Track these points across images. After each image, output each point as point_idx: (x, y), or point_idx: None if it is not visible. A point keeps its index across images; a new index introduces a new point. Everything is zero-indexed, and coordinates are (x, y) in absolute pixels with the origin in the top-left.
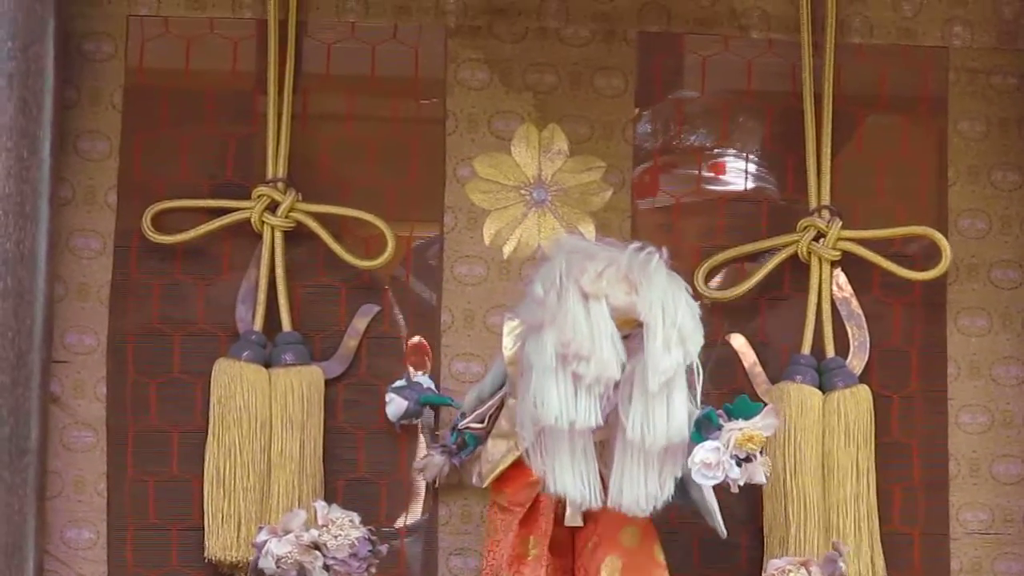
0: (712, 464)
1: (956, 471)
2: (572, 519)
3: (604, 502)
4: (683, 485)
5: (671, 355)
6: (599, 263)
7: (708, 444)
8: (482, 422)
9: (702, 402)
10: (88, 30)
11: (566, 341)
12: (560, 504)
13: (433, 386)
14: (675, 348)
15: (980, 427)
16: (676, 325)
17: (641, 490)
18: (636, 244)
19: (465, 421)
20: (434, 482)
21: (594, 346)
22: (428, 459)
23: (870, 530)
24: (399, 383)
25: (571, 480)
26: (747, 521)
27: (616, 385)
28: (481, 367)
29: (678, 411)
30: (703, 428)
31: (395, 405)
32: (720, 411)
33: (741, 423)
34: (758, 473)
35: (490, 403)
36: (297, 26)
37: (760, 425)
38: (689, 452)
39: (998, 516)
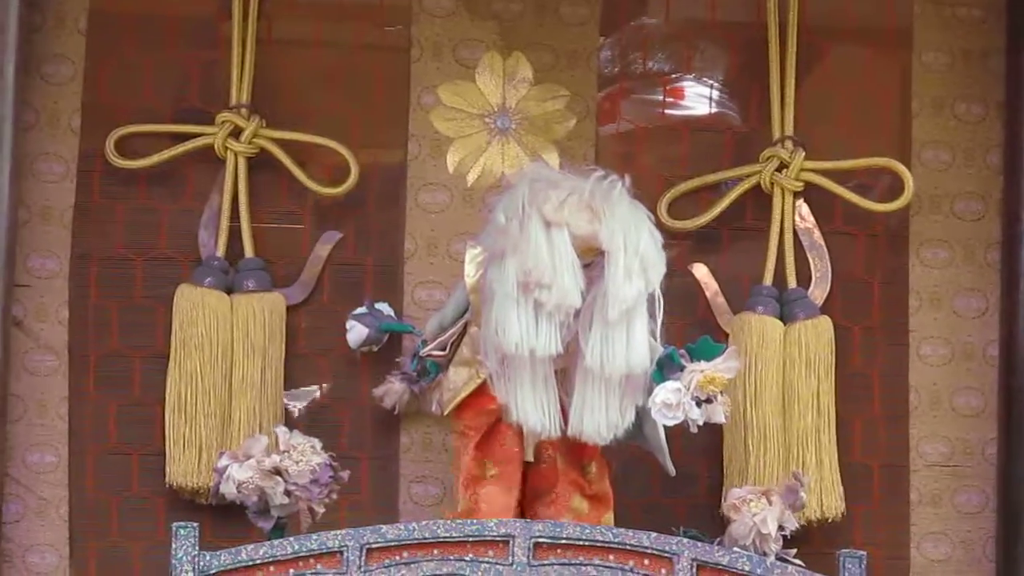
0: (673, 404)
1: (916, 403)
2: (526, 453)
3: (564, 432)
4: (637, 421)
5: (632, 284)
6: (562, 191)
7: (670, 385)
8: (444, 349)
9: (663, 332)
10: None
11: (527, 269)
12: (519, 435)
13: (394, 314)
14: (636, 277)
15: (941, 359)
16: (638, 254)
17: (602, 418)
18: (599, 173)
19: (427, 348)
20: (394, 408)
21: (555, 274)
22: (388, 386)
23: (830, 461)
24: (360, 310)
25: (532, 409)
26: (706, 451)
27: (577, 313)
28: (444, 294)
29: (638, 340)
30: (665, 368)
31: (356, 332)
32: (682, 351)
33: (703, 364)
34: (718, 414)
35: (452, 331)
36: None
37: (722, 367)
38: (650, 390)
39: (958, 448)
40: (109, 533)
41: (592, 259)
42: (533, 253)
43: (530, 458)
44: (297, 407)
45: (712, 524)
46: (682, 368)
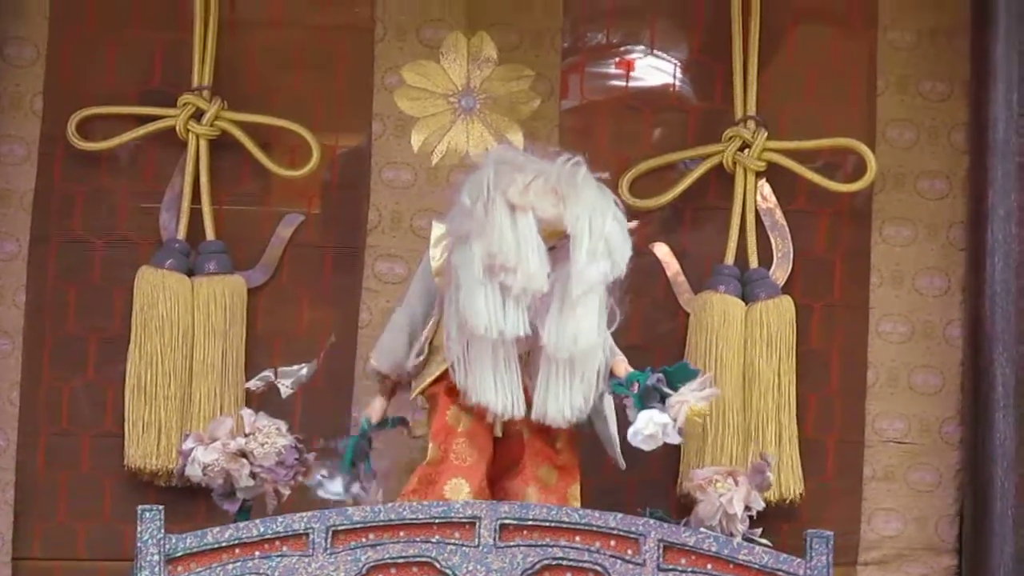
0: (658, 436)
1: (874, 380)
2: (495, 430)
3: (526, 413)
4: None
5: (597, 266)
6: (527, 174)
7: (658, 417)
8: (420, 354)
9: (623, 312)
10: None
11: (493, 252)
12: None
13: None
14: (601, 259)
15: (900, 337)
16: (603, 236)
17: (565, 401)
18: (565, 156)
19: (414, 392)
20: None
21: (520, 257)
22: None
23: (790, 440)
24: (318, 479)
25: (492, 390)
26: None
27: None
28: (405, 269)
29: (589, 321)
30: (647, 397)
31: (336, 483)
32: (659, 375)
33: (685, 394)
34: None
35: (423, 337)
36: None
37: (703, 396)
38: (613, 408)
39: (914, 426)
40: (55, 515)
41: (557, 242)
42: (498, 237)
43: (498, 434)
44: (287, 386)
45: (667, 502)
46: (661, 396)
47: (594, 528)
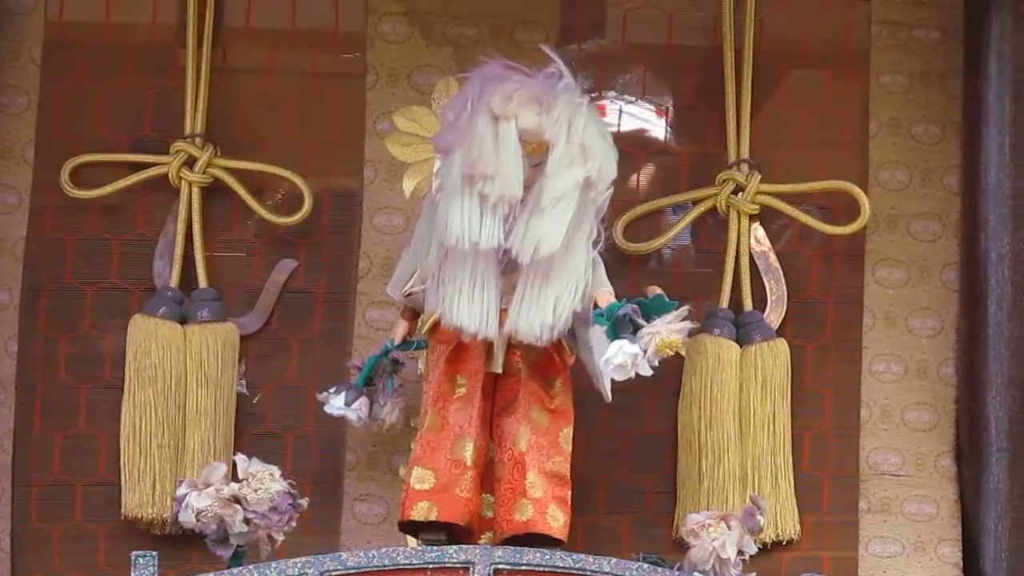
0: (627, 366)
1: (868, 417)
2: (494, 364)
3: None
4: (574, 338)
5: (571, 172)
6: (511, 85)
7: (628, 348)
8: (423, 283)
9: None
10: None
11: (472, 161)
12: (488, 348)
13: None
14: (576, 167)
15: (894, 376)
16: (580, 143)
17: (536, 317)
18: (551, 69)
19: (408, 286)
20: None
21: (499, 164)
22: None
23: (786, 483)
24: (325, 395)
25: (466, 310)
26: (654, 469)
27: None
28: (396, 316)
29: (556, 224)
30: (619, 326)
31: (339, 398)
32: (634, 306)
33: (659, 326)
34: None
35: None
36: None
37: (676, 329)
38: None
39: (909, 460)
40: (51, 563)
41: (542, 158)
42: (478, 145)
43: (498, 369)
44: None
45: (661, 543)
46: (635, 327)
47: (588, 572)
